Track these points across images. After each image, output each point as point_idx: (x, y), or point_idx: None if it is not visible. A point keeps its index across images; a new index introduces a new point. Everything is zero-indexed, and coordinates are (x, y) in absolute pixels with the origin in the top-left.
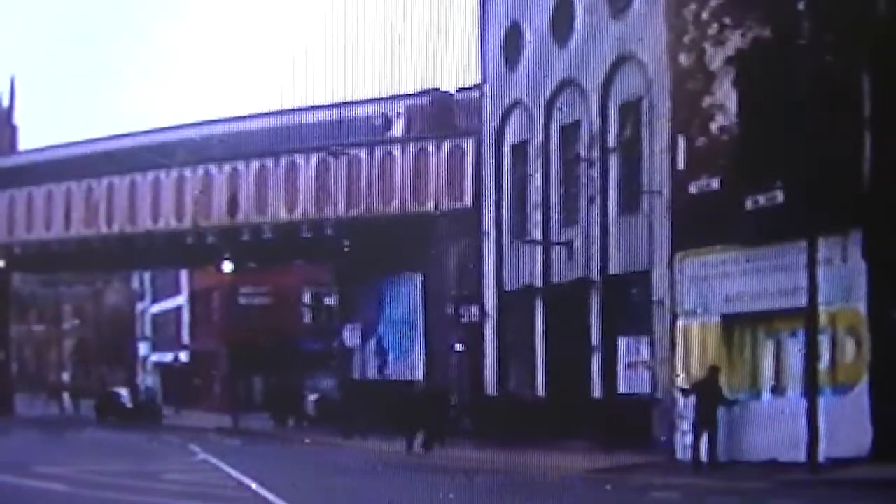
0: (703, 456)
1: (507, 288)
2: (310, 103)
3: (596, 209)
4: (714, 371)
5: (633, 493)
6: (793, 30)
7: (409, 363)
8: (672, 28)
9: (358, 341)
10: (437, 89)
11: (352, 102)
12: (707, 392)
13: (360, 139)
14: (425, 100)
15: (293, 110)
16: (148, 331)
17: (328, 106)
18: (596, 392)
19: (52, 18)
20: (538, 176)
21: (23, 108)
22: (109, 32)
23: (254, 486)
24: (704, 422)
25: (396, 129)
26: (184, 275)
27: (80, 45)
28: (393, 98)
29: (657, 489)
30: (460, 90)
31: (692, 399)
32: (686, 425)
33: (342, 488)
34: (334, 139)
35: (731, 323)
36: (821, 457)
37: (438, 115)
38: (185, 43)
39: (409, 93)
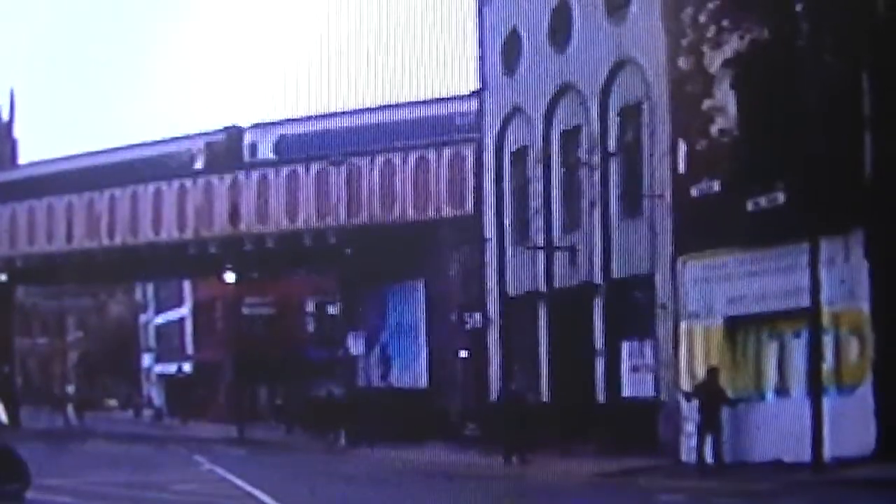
0: (708, 458)
1: (511, 294)
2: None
3: (597, 214)
4: (713, 372)
5: (638, 497)
6: (791, 31)
7: (414, 370)
8: (670, 31)
9: (362, 349)
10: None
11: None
12: (709, 394)
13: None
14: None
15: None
16: (152, 342)
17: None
18: (600, 396)
19: (52, 32)
20: (539, 182)
21: (23, 122)
22: (109, 45)
23: (260, 495)
24: (708, 424)
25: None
26: (187, 285)
27: (80, 57)
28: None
29: (663, 492)
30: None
31: (695, 402)
32: (690, 428)
33: (348, 497)
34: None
35: (734, 325)
36: (826, 457)
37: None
38: (184, 55)
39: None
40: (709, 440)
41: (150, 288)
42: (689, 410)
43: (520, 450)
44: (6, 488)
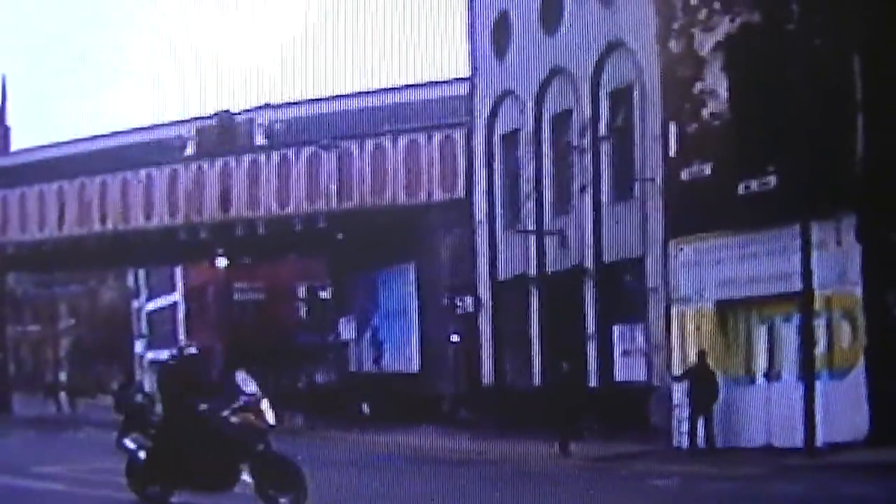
0: (700, 442)
1: (501, 278)
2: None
3: (588, 197)
4: (703, 356)
5: (631, 481)
6: (782, 13)
7: (405, 355)
8: (661, 14)
9: (353, 334)
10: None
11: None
12: (700, 378)
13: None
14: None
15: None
16: (144, 328)
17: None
18: (592, 380)
19: (44, 17)
20: (530, 165)
21: (15, 109)
22: (102, 30)
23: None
24: (700, 408)
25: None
26: (178, 271)
27: (71, 43)
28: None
29: (656, 476)
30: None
31: (686, 386)
32: (682, 412)
33: (339, 482)
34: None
35: (725, 308)
36: (818, 441)
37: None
38: (176, 39)
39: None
40: (700, 424)
41: (142, 274)
42: (681, 395)
43: (568, 437)
44: (281, 498)
